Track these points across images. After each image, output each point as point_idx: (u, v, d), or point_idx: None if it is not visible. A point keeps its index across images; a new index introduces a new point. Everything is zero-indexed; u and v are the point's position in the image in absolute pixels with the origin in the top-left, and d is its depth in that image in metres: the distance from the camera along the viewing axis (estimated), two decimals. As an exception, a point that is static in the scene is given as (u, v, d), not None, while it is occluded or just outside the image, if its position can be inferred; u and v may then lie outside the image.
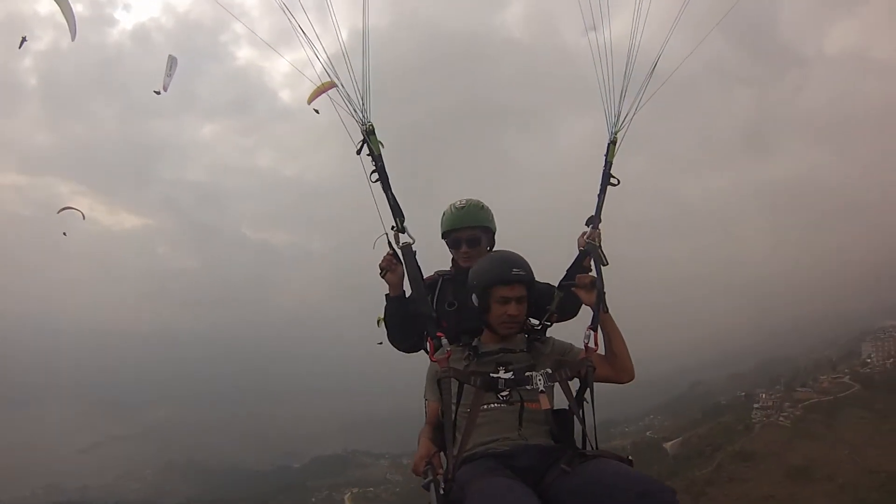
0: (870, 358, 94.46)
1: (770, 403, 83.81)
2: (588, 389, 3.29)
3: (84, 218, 24.15)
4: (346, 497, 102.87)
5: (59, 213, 23.26)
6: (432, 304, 3.78)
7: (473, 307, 3.47)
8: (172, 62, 21.34)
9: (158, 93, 21.67)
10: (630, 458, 2.95)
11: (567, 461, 2.91)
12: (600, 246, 3.63)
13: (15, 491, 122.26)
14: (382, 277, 3.90)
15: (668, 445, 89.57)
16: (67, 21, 17.01)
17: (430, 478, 3.06)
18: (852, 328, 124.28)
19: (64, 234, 24.41)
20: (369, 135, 3.64)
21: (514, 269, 3.33)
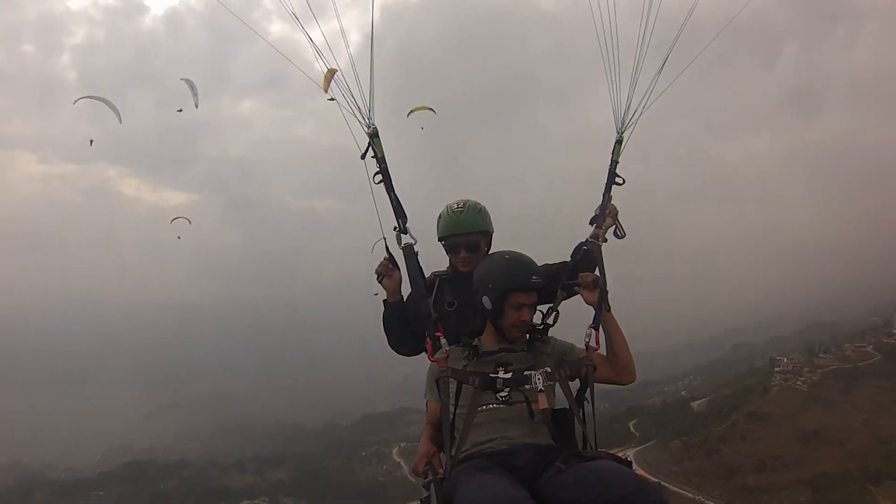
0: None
1: (790, 368, 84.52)
2: (588, 389, 3.29)
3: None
4: (395, 451, 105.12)
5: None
6: (431, 304, 3.74)
7: (474, 307, 3.45)
8: (191, 84, 22.35)
9: (181, 110, 23.07)
10: (629, 459, 2.94)
11: (563, 460, 2.90)
12: (620, 224, 3.70)
13: (90, 454, 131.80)
14: (379, 283, 3.88)
15: (694, 404, 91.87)
16: (112, 110, 19.68)
17: (430, 478, 3.10)
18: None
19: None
20: (373, 137, 3.65)
21: (533, 277, 3.30)
